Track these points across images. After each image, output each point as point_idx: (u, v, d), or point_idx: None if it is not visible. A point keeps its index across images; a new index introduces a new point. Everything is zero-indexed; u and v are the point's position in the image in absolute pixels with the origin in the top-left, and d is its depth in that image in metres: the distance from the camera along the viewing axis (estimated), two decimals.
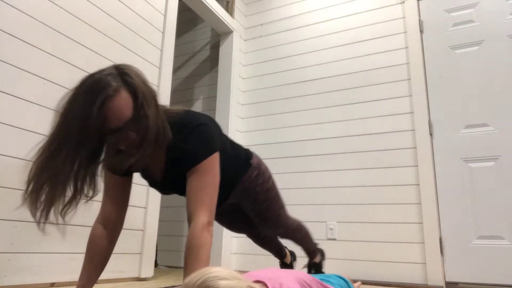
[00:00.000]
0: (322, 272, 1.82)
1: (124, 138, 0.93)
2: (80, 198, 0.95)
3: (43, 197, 0.88)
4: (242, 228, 1.69)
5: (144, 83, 0.94)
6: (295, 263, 2.00)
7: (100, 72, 0.90)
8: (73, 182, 0.91)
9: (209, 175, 1.02)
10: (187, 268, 0.93)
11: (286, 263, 1.95)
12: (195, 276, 0.65)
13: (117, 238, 1.19)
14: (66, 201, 0.92)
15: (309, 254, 1.85)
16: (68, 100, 0.88)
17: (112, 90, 0.87)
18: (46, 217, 0.90)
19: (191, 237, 0.95)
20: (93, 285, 1.10)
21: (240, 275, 0.68)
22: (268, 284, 0.80)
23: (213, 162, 1.04)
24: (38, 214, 0.89)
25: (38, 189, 0.88)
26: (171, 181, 1.14)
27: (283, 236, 1.65)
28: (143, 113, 0.91)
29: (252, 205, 1.42)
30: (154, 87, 2.28)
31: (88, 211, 1.82)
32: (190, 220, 0.99)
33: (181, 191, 1.14)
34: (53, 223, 0.91)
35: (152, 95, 0.96)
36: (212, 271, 0.65)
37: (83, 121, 0.85)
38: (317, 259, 1.87)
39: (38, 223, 0.89)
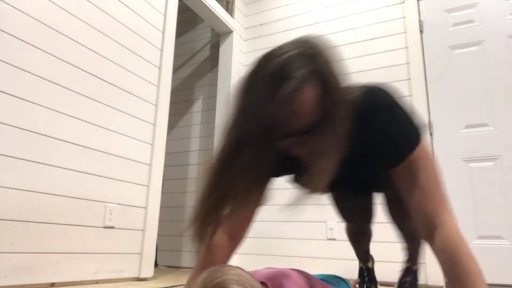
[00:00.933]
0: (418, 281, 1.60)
1: (309, 143, 0.72)
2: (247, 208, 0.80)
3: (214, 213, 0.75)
4: (366, 218, 1.43)
5: (337, 68, 0.74)
6: (374, 265, 1.83)
7: (284, 51, 0.71)
8: (249, 191, 0.77)
9: (431, 163, 0.79)
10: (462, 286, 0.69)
11: (369, 267, 1.73)
12: (214, 274, 0.64)
13: (235, 251, 0.90)
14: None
15: (413, 260, 1.60)
16: (243, 92, 0.71)
17: (298, 82, 0.65)
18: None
19: (451, 249, 0.71)
20: None
21: (255, 280, 0.67)
22: (269, 284, 0.80)
23: (426, 152, 0.79)
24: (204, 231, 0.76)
25: (215, 205, 0.75)
26: (346, 179, 0.88)
27: (407, 231, 1.38)
28: (333, 113, 0.69)
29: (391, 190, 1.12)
30: (153, 87, 2.29)
31: (89, 212, 1.82)
32: (433, 227, 0.75)
33: (363, 189, 0.95)
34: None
35: (342, 83, 0.74)
36: (232, 273, 0.64)
37: (261, 121, 0.67)
38: (416, 266, 1.64)
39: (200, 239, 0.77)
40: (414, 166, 0.78)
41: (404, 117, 0.79)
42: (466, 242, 0.73)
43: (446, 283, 0.87)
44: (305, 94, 0.66)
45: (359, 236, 1.53)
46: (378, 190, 1.20)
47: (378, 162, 0.82)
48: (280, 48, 0.73)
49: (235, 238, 0.87)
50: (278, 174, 0.91)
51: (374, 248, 2.41)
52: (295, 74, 0.66)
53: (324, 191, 0.93)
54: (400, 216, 1.24)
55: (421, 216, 0.77)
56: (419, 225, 0.81)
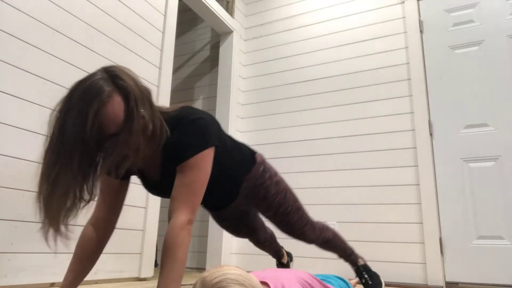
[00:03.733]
0: (373, 273, 1.71)
1: (121, 142, 0.89)
2: (80, 205, 0.94)
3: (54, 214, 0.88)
4: (247, 233, 1.61)
5: (136, 83, 0.92)
6: (291, 263, 1.99)
7: (91, 77, 0.88)
8: (77, 192, 0.90)
9: (198, 171, 0.98)
10: (163, 268, 0.91)
11: (283, 263, 1.93)
12: (214, 273, 0.65)
13: (106, 241, 1.15)
14: (67, 210, 0.91)
15: (349, 258, 1.72)
16: (61, 110, 0.86)
17: (106, 96, 0.84)
18: (58, 230, 0.90)
19: (169, 236, 0.93)
20: (77, 286, 1.09)
21: (255, 281, 0.68)
22: (271, 285, 0.80)
23: (205, 158, 1.00)
24: (54, 229, 0.89)
25: (52, 209, 0.87)
26: (167, 181, 1.09)
27: (311, 239, 1.51)
28: (136, 115, 0.88)
29: (266, 202, 1.34)
30: (153, 87, 2.29)
31: (89, 212, 1.82)
32: (170, 217, 0.97)
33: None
34: (61, 235, 0.91)
35: (145, 95, 0.93)
36: (232, 273, 0.65)
37: (80, 131, 0.83)
38: (361, 261, 1.75)
39: (56, 237, 0.90)
40: (185, 170, 0.98)
41: (197, 130, 1.00)
42: (184, 235, 0.94)
43: None
44: (112, 105, 0.85)
45: (259, 245, 1.72)
46: (227, 203, 1.34)
47: (175, 162, 1.00)
48: (89, 75, 0.90)
49: (99, 228, 1.12)
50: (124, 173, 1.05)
51: (374, 248, 2.42)
52: (104, 90, 0.85)
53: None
54: (288, 225, 1.43)
55: (170, 205, 0.98)
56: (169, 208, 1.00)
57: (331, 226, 1.61)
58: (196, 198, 0.99)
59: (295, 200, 1.41)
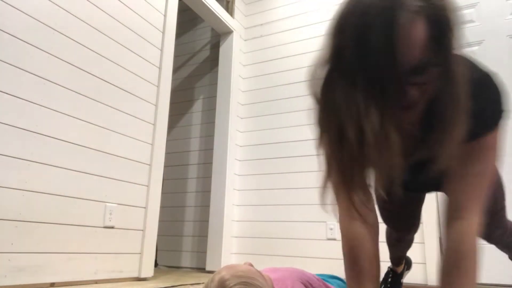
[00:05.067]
0: None
1: (422, 86, 0.61)
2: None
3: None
4: (407, 226, 1.29)
5: (454, 14, 0.61)
6: (406, 272, 1.66)
7: None
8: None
9: (493, 155, 0.71)
10: (450, 282, 0.67)
11: (397, 271, 1.58)
12: (234, 279, 0.65)
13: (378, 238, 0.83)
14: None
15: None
16: (347, 25, 0.61)
17: (412, 12, 0.57)
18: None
19: (460, 242, 0.68)
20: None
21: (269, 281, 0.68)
22: (275, 285, 0.80)
23: (499, 137, 0.71)
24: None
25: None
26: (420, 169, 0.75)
27: (496, 243, 1.29)
28: (446, 58, 0.60)
29: None
30: (153, 87, 2.29)
31: (89, 212, 1.82)
32: (455, 217, 0.71)
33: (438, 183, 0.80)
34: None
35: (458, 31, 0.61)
36: (253, 276, 0.66)
37: (382, 52, 0.57)
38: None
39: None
40: (476, 153, 0.70)
41: (503, 95, 0.69)
42: (477, 245, 0.69)
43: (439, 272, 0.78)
44: (419, 26, 0.58)
45: (394, 241, 1.40)
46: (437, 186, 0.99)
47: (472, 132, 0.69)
48: None
49: (370, 226, 0.80)
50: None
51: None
52: (409, 7, 0.57)
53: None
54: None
55: (450, 202, 0.72)
56: (443, 212, 0.75)
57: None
58: (485, 195, 0.72)
59: (501, 198, 1.09)
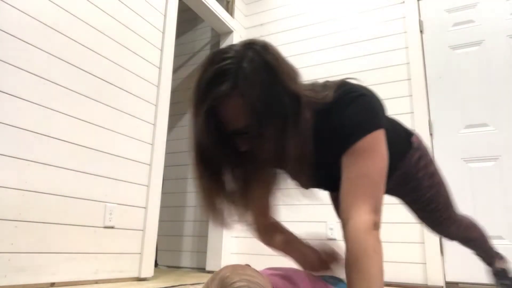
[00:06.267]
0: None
1: (245, 142, 0.76)
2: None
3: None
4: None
5: (266, 87, 0.73)
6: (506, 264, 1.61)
7: (225, 57, 0.74)
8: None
9: (373, 157, 0.77)
10: (351, 285, 0.69)
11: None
12: (234, 276, 0.65)
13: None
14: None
15: (489, 260, 1.51)
16: (192, 93, 0.80)
17: (221, 95, 0.72)
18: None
19: (353, 243, 0.70)
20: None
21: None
22: (275, 285, 0.79)
23: (378, 141, 0.78)
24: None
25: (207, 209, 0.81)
26: (321, 172, 0.88)
27: (453, 237, 1.32)
28: (258, 124, 0.72)
29: (414, 195, 1.14)
30: (153, 87, 2.29)
31: (89, 212, 1.82)
32: (345, 218, 0.75)
33: (333, 184, 0.91)
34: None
35: (276, 100, 0.73)
36: (253, 274, 0.66)
37: (200, 126, 0.75)
38: (502, 264, 1.51)
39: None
40: (355, 157, 0.77)
41: (364, 108, 0.80)
42: (372, 242, 0.70)
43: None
44: (233, 100, 0.71)
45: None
46: None
47: (335, 150, 0.81)
48: (227, 48, 0.77)
49: (270, 226, 0.99)
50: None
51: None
52: (223, 85, 0.72)
53: (306, 185, 0.99)
54: (434, 222, 1.23)
55: (342, 207, 0.77)
56: (339, 211, 0.83)
57: (479, 223, 1.39)
58: (377, 192, 0.76)
59: (447, 197, 1.19)
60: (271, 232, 1.01)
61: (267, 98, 0.72)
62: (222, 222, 0.83)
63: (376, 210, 0.74)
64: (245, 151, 0.77)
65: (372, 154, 0.77)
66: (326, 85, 0.87)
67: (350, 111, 0.80)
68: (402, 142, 1.06)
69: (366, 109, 0.80)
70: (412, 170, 1.08)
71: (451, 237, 1.31)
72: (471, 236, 1.34)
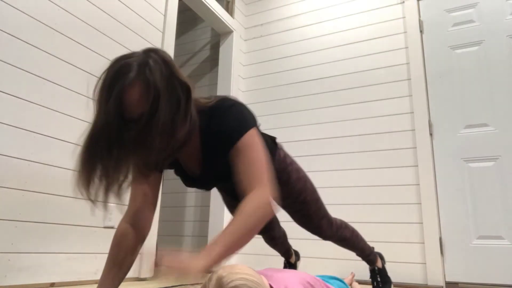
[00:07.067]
0: (388, 279, 1.67)
1: (144, 131, 0.85)
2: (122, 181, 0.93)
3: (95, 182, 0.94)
4: (264, 228, 1.56)
5: (165, 77, 0.87)
6: (298, 262, 1.99)
7: (130, 56, 0.88)
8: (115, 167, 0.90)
9: (253, 149, 0.95)
10: (229, 223, 0.85)
11: (291, 262, 1.92)
12: (231, 275, 0.66)
13: (144, 239, 1.09)
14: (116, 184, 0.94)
15: (367, 258, 1.68)
16: (99, 85, 0.88)
17: (128, 82, 0.84)
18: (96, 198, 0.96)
19: (246, 202, 0.87)
20: None
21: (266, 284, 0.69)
22: (274, 286, 0.80)
23: (255, 136, 0.97)
24: (91, 196, 0.95)
25: (87, 178, 0.93)
26: (210, 172, 1.07)
27: (326, 235, 1.47)
28: (156, 108, 0.84)
29: (287, 188, 1.30)
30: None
31: (89, 212, 1.82)
32: (247, 193, 0.91)
33: (224, 180, 1.09)
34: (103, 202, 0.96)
35: (172, 88, 0.87)
36: (250, 273, 0.66)
37: (107, 108, 0.84)
38: (379, 264, 1.71)
39: (93, 202, 0.96)
40: (242, 152, 0.95)
41: (236, 114, 0.99)
42: (263, 206, 0.88)
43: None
44: (132, 92, 0.84)
45: (272, 242, 1.74)
46: None
47: (221, 151, 0.98)
48: (131, 53, 0.90)
49: (136, 225, 1.05)
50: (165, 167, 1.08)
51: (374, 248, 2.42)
52: (128, 75, 0.84)
53: (202, 186, 1.15)
54: (308, 218, 1.40)
55: (242, 186, 0.92)
56: (240, 196, 0.93)
57: (351, 225, 1.54)
58: (268, 175, 0.94)
59: (313, 190, 1.38)
60: (134, 228, 1.06)
61: (167, 85, 0.86)
62: (93, 193, 0.96)
63: (271, 188, 0.92)
64: (132, 141, 0.86)
65: (253, 146, 0.96)
66: (210, 95, 1.06)
67: (227, 117, 0.98)
68: (269, 144, 1.25)
69: (239, 114, 0.99)
70: (282, 166, 1.27)
71: (325, 234, 1.46)
72: (344, 235, 1.51)
